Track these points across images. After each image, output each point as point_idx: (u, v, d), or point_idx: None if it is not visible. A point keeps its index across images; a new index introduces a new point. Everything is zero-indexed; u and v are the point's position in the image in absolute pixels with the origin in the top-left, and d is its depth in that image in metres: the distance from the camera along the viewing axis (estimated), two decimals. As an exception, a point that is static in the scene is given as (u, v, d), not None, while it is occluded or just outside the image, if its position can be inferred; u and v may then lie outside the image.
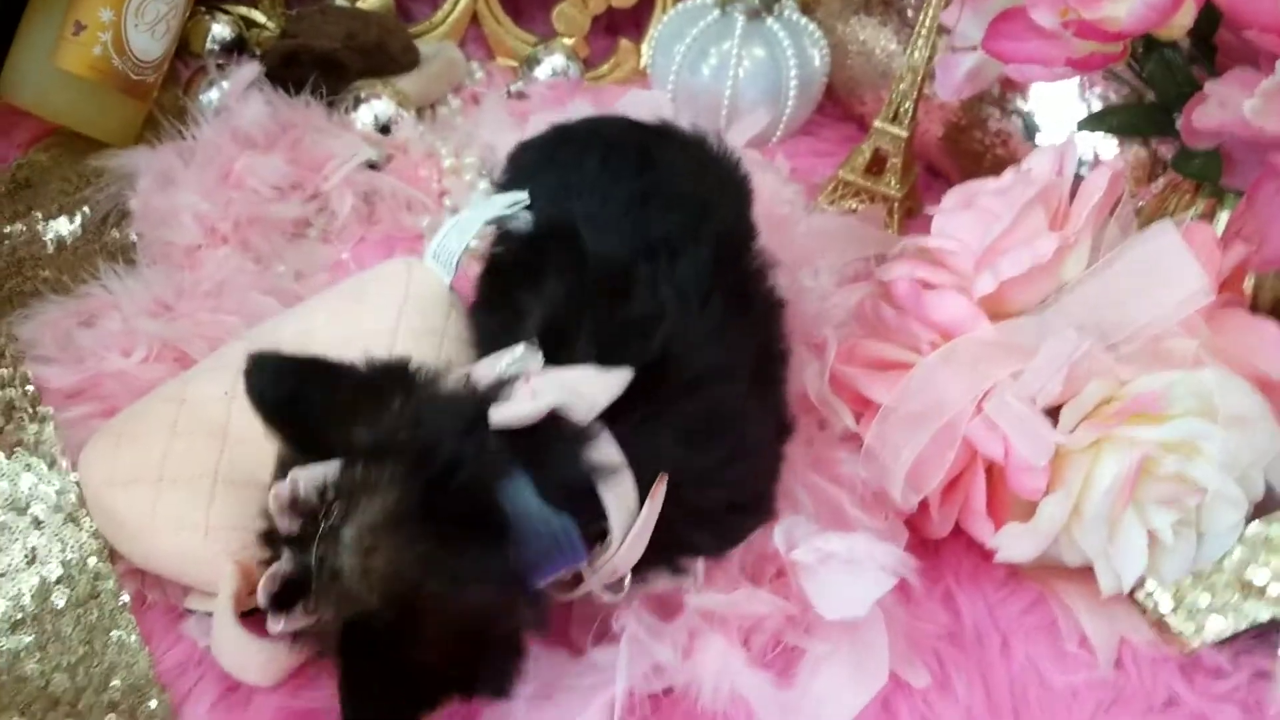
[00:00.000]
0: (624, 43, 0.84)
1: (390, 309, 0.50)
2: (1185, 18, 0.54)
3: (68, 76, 0.66)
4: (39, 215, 0.62)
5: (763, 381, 0.47)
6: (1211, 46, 0.59)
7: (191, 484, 0.46)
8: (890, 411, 0.51)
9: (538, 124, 0.66)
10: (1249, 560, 0.52)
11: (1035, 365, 0.48)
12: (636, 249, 0.45)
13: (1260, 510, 0.52)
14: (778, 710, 0.46)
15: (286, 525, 0.38)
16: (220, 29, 0.77)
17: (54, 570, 0.48)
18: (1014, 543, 0.51)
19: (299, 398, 0.39)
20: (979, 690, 0.49)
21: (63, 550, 0.48)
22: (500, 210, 0.50)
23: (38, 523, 0.48)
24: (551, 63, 0.80)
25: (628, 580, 0.43)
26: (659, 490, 0.41)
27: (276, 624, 0.39)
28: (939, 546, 0.54)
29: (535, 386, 0.41)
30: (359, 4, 0.80)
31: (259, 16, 0.79)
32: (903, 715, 0.48)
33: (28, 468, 0.49)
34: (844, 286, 0.61)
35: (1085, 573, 0.53)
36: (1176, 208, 0.61)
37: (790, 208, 0.67)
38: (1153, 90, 0.61)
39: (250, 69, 0.68)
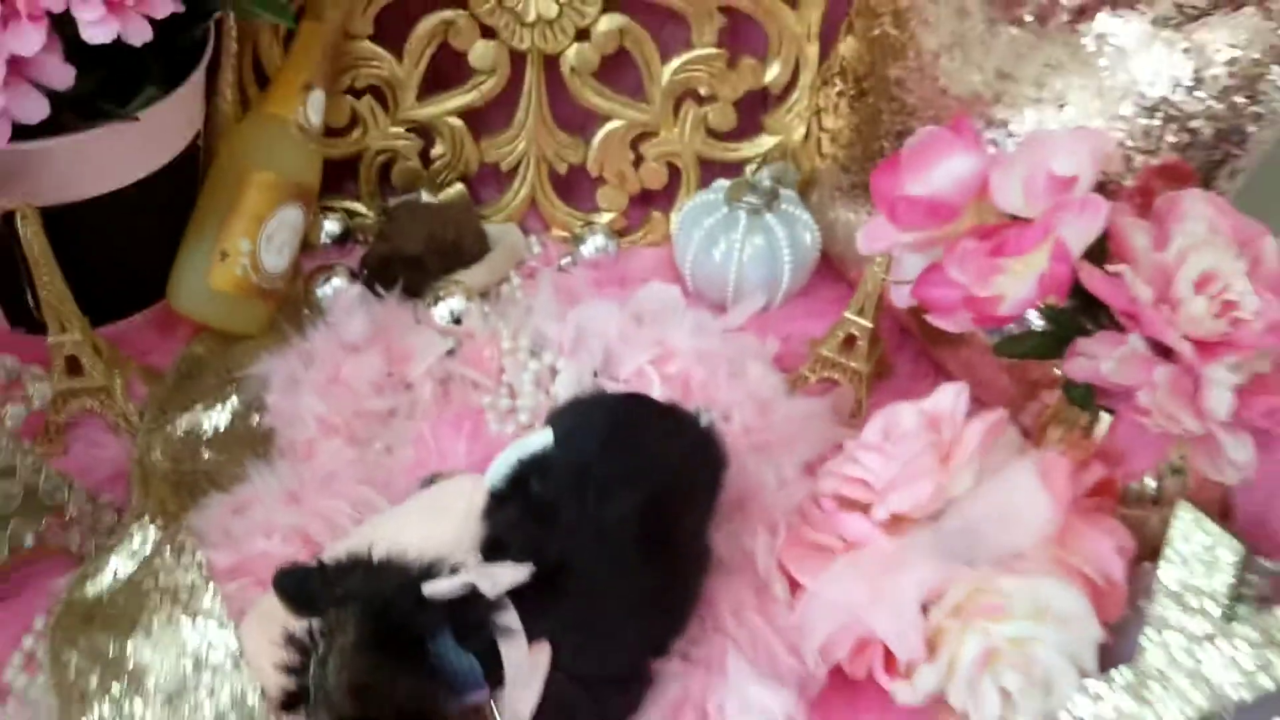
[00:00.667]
0: (655, 214, 1.02)
1: (457, 518, 0.70)
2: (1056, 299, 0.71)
3: (218, 293, 0.87)
4: (200, 406, 0.84)
5: (657, 606, 0.66)
6: (1097, 305, 0.74)
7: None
8: (811, 596, 0.70)
9: (579, 312, 0.87)
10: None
11: (914, 576, 0.66)
12: (572, 492, 0.65)
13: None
14: None
15: (289, 658, 0.59)
16: (331, 225, 0.97)
17: (224, 701, 0.69)
18: (904, 693, 0.69)
19: (303, 582, 0.60)
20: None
21: (229, 688, 0.69)
22: (530, 450, 0.70)
23: (214, 669, 0.69)
24: (594, 242, 0.99)
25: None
26: (537, 649, 0.60)
27: None
28: (853, 687, 0.72)
29: (462, 572, 0.61)
30: (440, 196, 1.00)
31: (360, 207, 0.99)
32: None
33: (205, 628, 0.71)
34: (803, 476, 0.79)
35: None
36: (1070, 416, 0.78)
37: (773, 392, 0.85)
38: (1052, 326, 0.77)
39: (354, 290, 0.89)
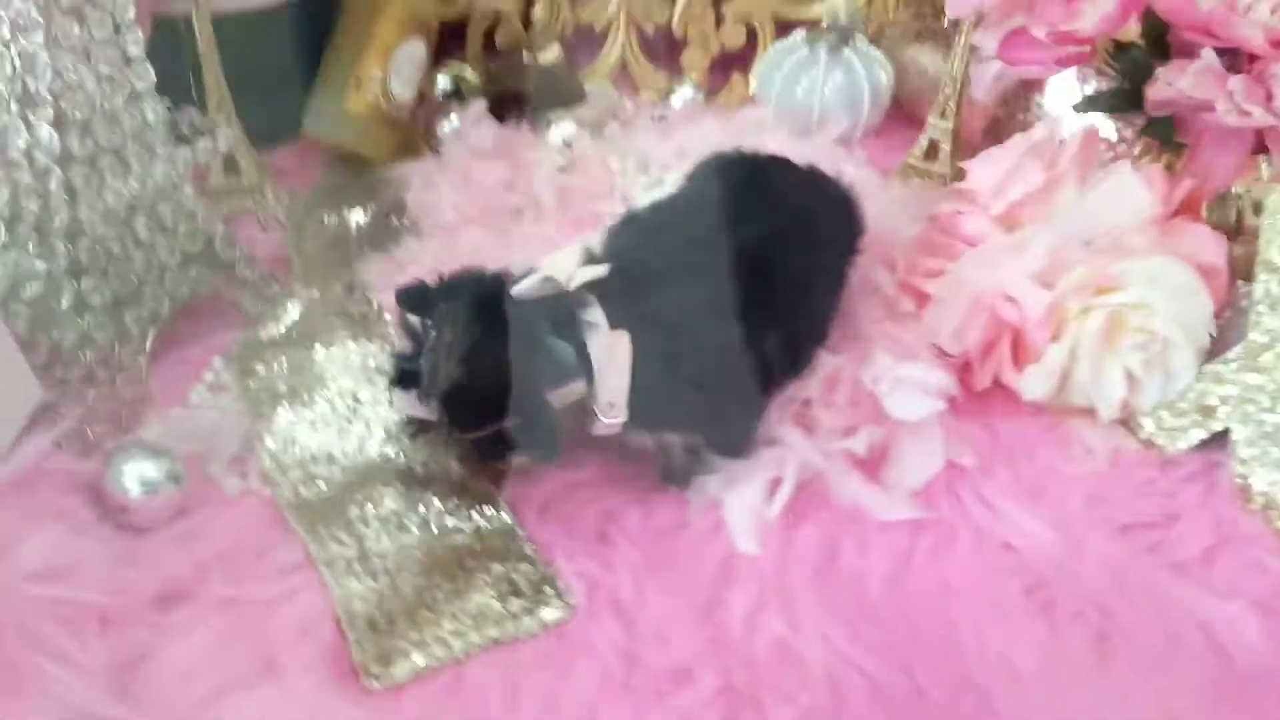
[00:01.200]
0: (735, 76, 1.10)
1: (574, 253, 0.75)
2: (1132, 25, 0.79)
3: (353, 116, 0.94)
4: (344, 206, 0.90)
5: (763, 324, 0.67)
6: (1165, 44, 0.83)
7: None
8: (939, 299, 0.76)
9: (681, 132, 0.94)
10: (1206, 391, 0.74)
11: (1034, 252, 0.73)
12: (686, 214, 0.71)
13: (1212, 355, 0.75)
14: (872, 496, 0.70)
15: (402, 345, 0.64)
16: (443, 81, 1.05)
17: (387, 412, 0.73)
18: (1033, 381, 0.75)
19: (419, 291, 0.64)
20: (1011, 475, 0.72)
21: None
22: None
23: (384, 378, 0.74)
24: (682, 94, 1.07)
25: (623, 411, 0.64)
26: (618, 338, 0.63)
27: (398, 401, 0.64)
28: (982, 396, 0.78)
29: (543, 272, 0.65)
30: (540, 57, 1.07)
31: (468, 72, 1.07)
32: (960, 489, 0.71)
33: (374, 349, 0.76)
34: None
35: (1090, 412, 0.76)
36: (1149, 161, 0.85)
37: (869, 186, 0.92)
38: (1125, 79, 0.85)
39: (479, 106, 0.96)
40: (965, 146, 0.99)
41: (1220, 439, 0.73)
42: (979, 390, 0.77)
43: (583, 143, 0.97)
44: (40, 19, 0.65)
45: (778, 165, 0.77)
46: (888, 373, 0.72)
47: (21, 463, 0.66)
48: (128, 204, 0.72)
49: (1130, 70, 0.83)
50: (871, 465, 0.72)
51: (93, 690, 0.55)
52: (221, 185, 0.87)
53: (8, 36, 0.65)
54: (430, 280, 0.65)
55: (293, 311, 0.80)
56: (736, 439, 0.71)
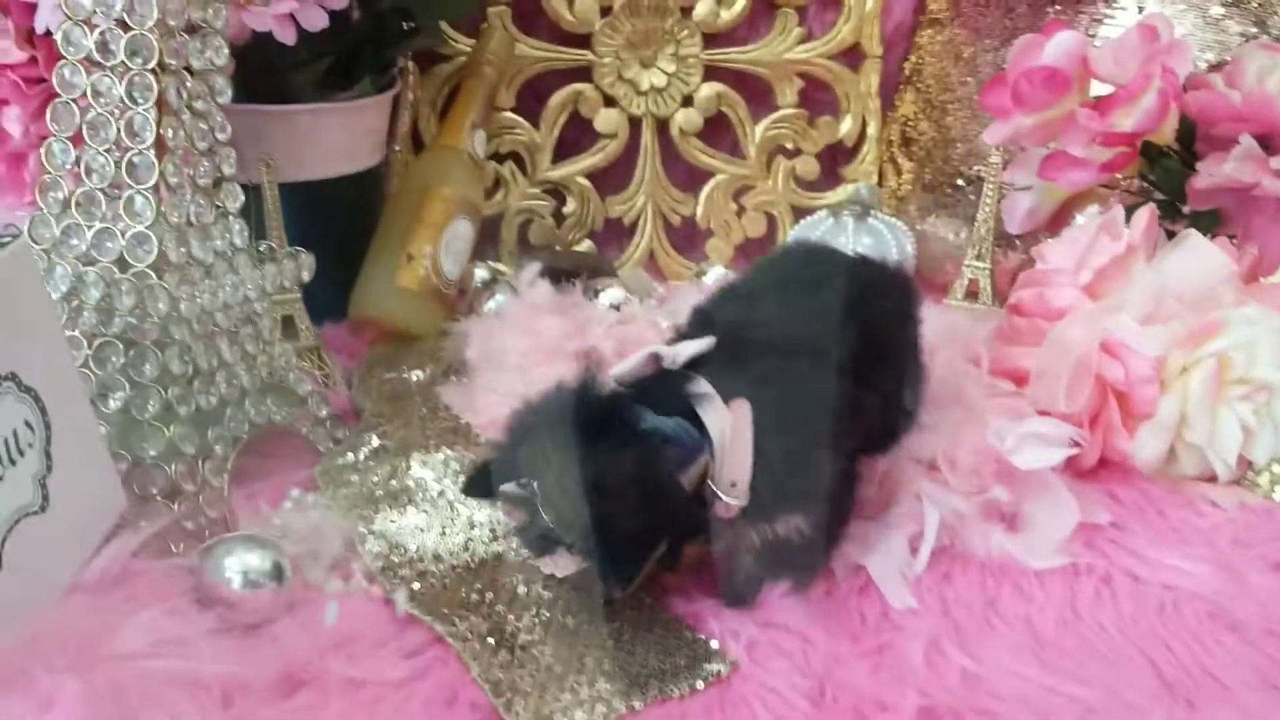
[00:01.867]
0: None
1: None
2: (1171, 122, 0.84)
3: (405, 291, 0.95)
4: (405, 368, 0.88)
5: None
6: (1193, 154, 0.88)
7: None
8: (1040, 371, 0.75)
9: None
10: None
11: (1130, 307, 0.73)
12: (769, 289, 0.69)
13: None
14: (1023, 548, 0.66)
15: (517, 517, 0.59)
16: (481, 272, 1.07)
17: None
18: (1146, 441, 0.73)
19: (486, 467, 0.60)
20: (1148, 530, 0.70)
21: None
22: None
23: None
24: (714, 272, 1.10)
25: (745, 492, 0.58)
26: (737, 406, 0.58)
27: (550, 567, 0.58)
28: (1095, 473, 0.76)
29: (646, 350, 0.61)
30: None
31: (502, 266, 1.09)
32: (1101, 543, 0.68)
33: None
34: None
35: (1203, 479, 0.75)
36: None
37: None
38: (1159, 189, 0.90)
39: (534, 268, 0.97)
40: (1000, 294, 1.02)
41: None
42: (1089, 466, 0.75)
43: (631, 306, 0.98)
44: (152, 119, 0.66)
45: (838, 253, 0.78)
46: (1010, 431, 0.70)
47: (108, 564, 0.60)
48: (213, 322, 0.70)
49: (1166, 179, 0.88)
50: (1006, 526, 0.68)
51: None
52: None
53: (119, 138, 0.66)
54: (489, 454, 0.61)
55: (372, 441, 0.76)
56: (837, 518, 0.64)
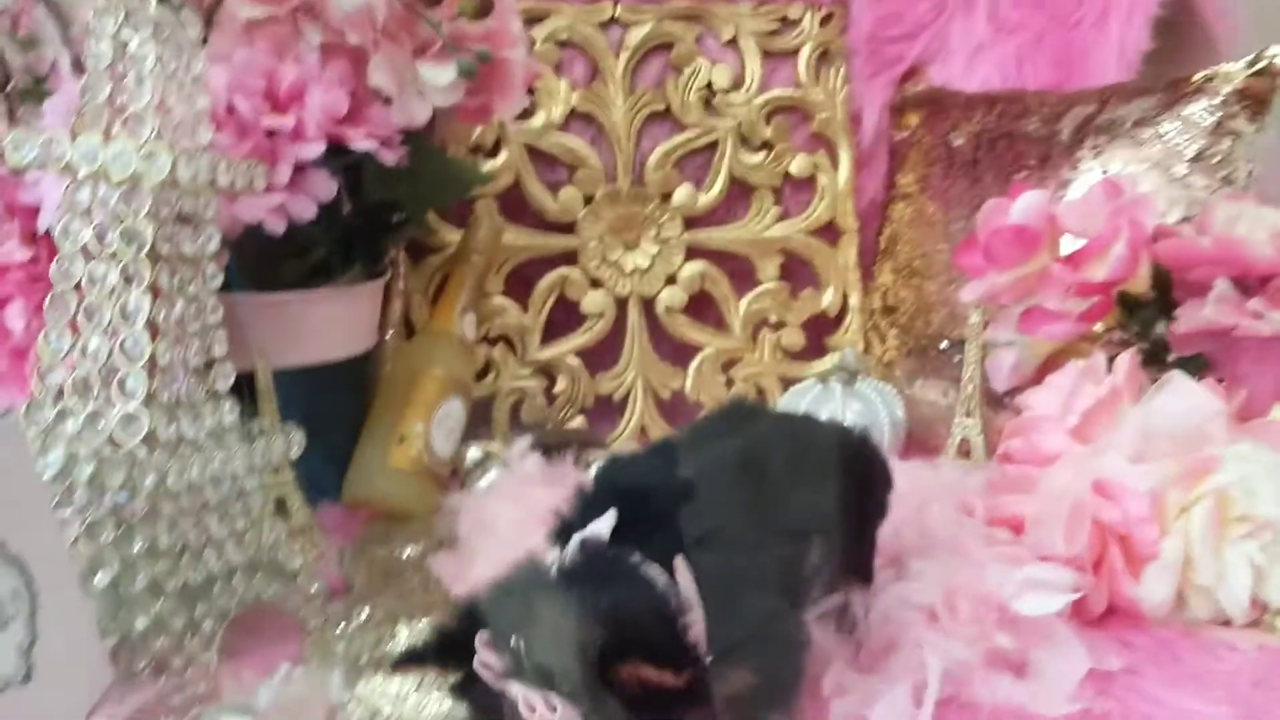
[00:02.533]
0: (752, 433, 1.15)
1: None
2: (1144, 269, 0.87)
3: (397, 472, 0.95)
4: (398, 544, 0.88)
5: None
6: (1171, 302, 0.90)
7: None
8: (1036, 518, 0.75)
9: None
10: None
11: (1119, 447, 0.74)
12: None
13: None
14: (1033, 696, 0.64)
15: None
16: (474, 452, 1.07)
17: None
18: (1153, 585, 0.72)
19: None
20: (1162, 675, 0.67)
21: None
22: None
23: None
24: (707, 446, 1.10)
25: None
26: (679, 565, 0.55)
27: None
28: (1102, 622, 0.74)
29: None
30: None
31: (494, 446, 1.09)
32: (1114, 689, 0.66)
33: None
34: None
35: (1217, 623, 0.73)
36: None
37: (918, 472, 0.94)
38: (1141, 340, 0.91)
39: (525, 441, 0.98)
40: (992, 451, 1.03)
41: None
42: (1098, 614, 0.74)
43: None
44: (146, 303, 0.68)
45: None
46: (1011, 577, 0.69)
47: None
48: (202, 497, 0.70)
49: (1145, 328, 0.90)
50: (1013, 675, 0.66)
51: None
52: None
53: (113, 321, 0.67)
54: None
55: (362, 614, 0.75)
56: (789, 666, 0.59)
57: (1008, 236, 0.89)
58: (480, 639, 0.51)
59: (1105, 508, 0.73)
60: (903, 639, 0.67)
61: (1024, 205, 0.90)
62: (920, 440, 1.11)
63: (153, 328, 0.69)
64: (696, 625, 0.55)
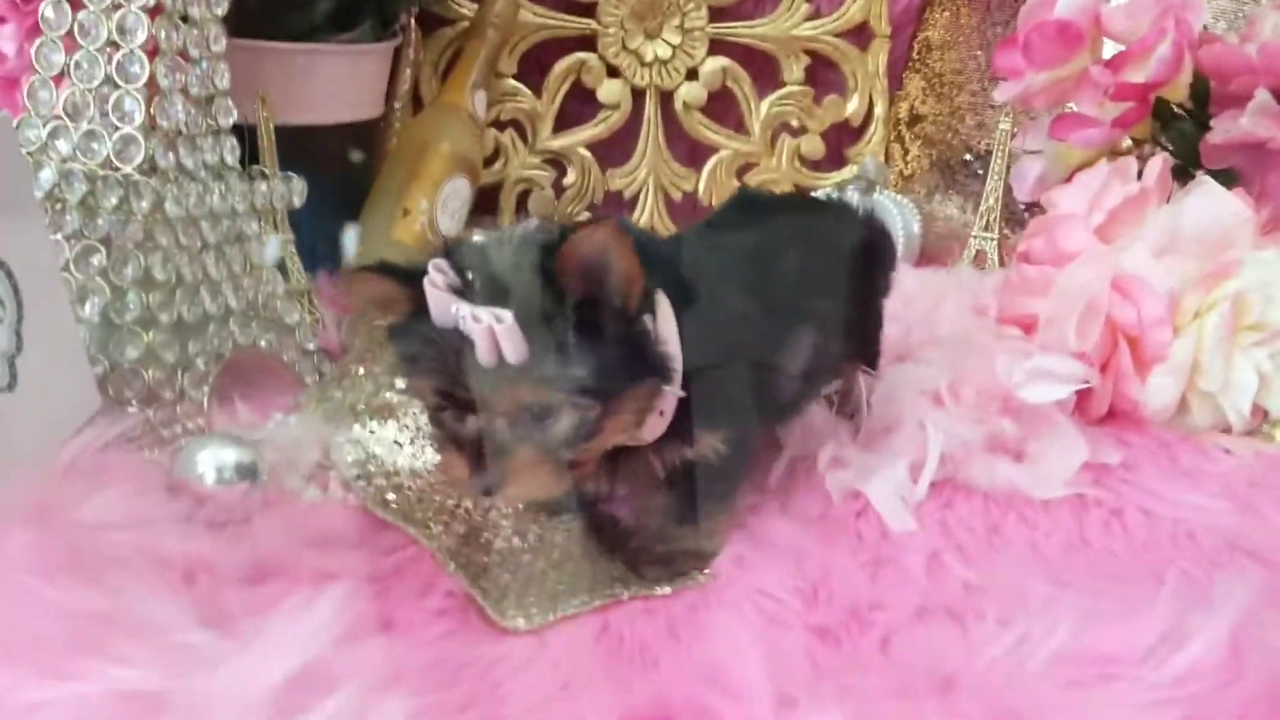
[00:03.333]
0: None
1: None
2: (1185, 76, 0.83)
3: (400, 245, 0.93)
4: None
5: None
6: (1207, 115, 0.86)
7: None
8: (1049, 316, 0.73)
9: None
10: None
11: (1143, 245, 0.71)
12: None
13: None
14: (1029, 479, 0.64)
15: None
16: (477, 239, 1.05)
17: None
18: (1159, 387, 0.71)
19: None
20: (1159, 471, 0.67)
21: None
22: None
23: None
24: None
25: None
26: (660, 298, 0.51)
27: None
28: (1104, 422, 0.73)
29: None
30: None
31: (500, 235, 1.08)
32: (1111, 481, 0.65)
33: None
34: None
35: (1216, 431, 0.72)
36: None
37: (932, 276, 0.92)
38: (1173, 153, 0.88)
39: (531, 222, 0.95)
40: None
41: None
42: (1099, 415, 0.73)
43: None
44: (145, 20, 0.64)
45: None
46: (1018, 366, 0.68)
47: (77, 452, 0.57)
48: (200, 235, 0.68)
49: (1179, 140, 0.87)
50: (1012, 460, 0.66)
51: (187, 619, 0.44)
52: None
53: (113, 38, 0.64)
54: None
55: (359, 371, 0.74)
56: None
57: (1050, 32, 0.85)
58: (433, 263, 0.49)
59: (1121, 306, 0.71)
60: (905, 419, 0.66)
61: (1070, 2, 0.86)
62: (935, 257, 1.09)
63: (151, 45, 0.65)
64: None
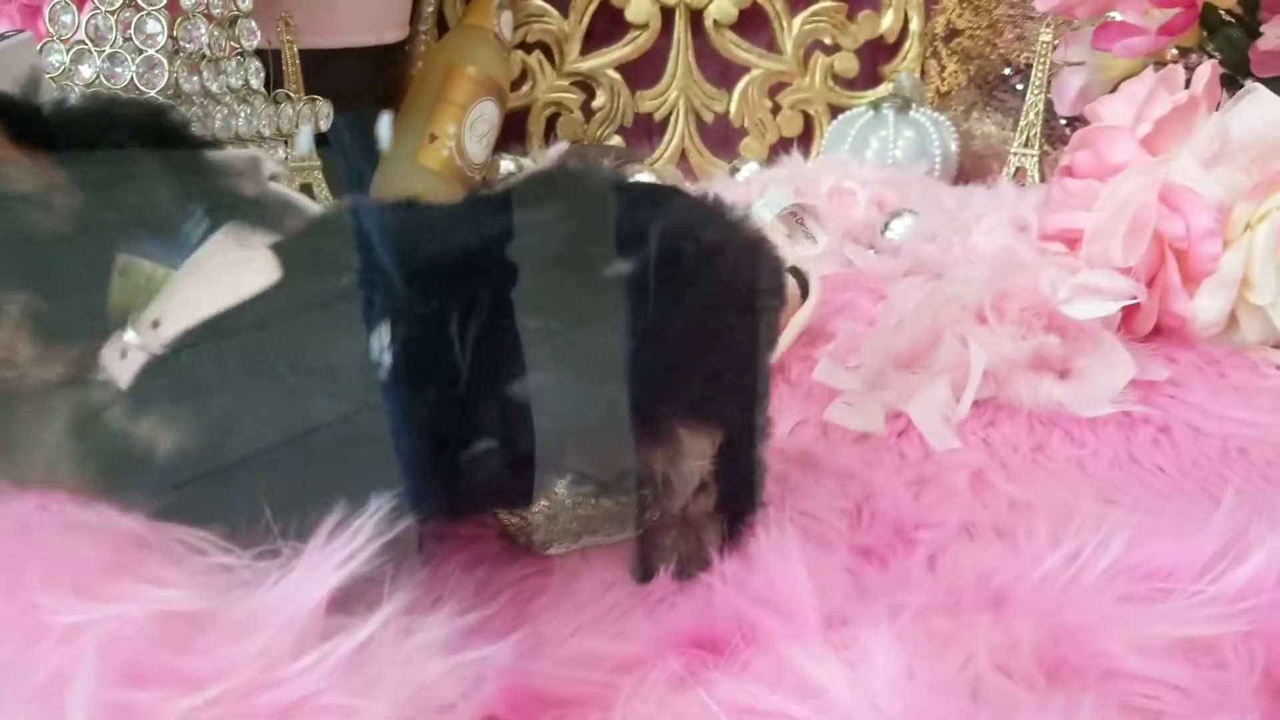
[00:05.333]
0: (795, 154, 1.10)
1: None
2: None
3: (427, 171, 0.92)
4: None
5: None
6: (1256, 21, 0.83)
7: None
8: (1094, 230, 0.71)
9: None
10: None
11: (1192, 153, 0.69)
12: None
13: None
14: (1074, 396, 0.62)
15: None
16: (506, 164, 1.04)
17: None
18: (1206, 301, 0.69)
19: None
20: (1208, 388, 0.65)
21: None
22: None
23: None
24: (748, 169, 1.06)
25: None
26: None
27: None
28: (1150, 340, 0.71)
29: None
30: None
31: (529, 161, 1.06)
32: (1158, 398, 0.64)
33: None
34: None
35: (1264, 347, 0.70)
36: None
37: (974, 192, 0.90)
38: (1220, 63, 0.85)
39: (561, 146, 0.94)
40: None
41: None
42: (1146, 332, 0.71)
43: (662, 192, 0.95)
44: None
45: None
46: (1063, 282, 0.66)
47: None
48: (226, 160, 0.67)
49: (1227, 48, 0.84)
50: (1057, 378, 0.64)
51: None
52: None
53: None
54: None
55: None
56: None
57: (1094, -61, 0.82)
58: None
59: (1169, 219, 0.69)
60: (946, 336, 0.64)
61: (1113, -94, 0.82)
62: (972, 176, 1.06)
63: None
64: None
